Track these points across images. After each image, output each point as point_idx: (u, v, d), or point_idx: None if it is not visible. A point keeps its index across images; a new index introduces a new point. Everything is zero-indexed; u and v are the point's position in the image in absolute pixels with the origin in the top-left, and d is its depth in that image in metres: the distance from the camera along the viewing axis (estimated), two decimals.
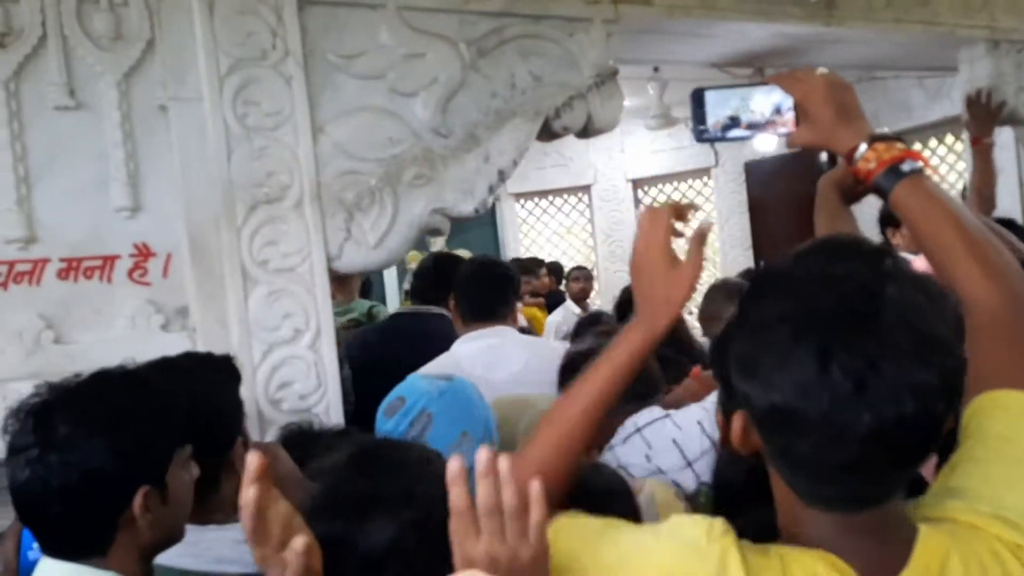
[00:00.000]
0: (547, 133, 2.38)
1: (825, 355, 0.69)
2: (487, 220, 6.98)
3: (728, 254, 6.55)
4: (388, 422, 1.48)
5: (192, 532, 1.19)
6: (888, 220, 2.97)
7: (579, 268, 5.74)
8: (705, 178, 6.81)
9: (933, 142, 5.45)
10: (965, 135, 4.86)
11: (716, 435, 1.50)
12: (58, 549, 1.05)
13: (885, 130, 1.01)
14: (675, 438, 1.57)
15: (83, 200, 1.82)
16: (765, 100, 1.07)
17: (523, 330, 3.05)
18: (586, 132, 2.45)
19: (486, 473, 0.78)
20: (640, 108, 5.59)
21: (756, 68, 3.26)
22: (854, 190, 1.22)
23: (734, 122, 1.08)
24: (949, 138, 5.32)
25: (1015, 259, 0.92)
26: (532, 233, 7.21)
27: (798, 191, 5.67)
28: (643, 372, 1.80)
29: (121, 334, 1.83)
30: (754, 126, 1.08)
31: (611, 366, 0.93)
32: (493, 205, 7.03)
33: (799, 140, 1.05)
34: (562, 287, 5.62)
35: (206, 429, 1.24)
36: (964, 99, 3.25)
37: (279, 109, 1.95)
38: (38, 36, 1.77)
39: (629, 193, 6.99)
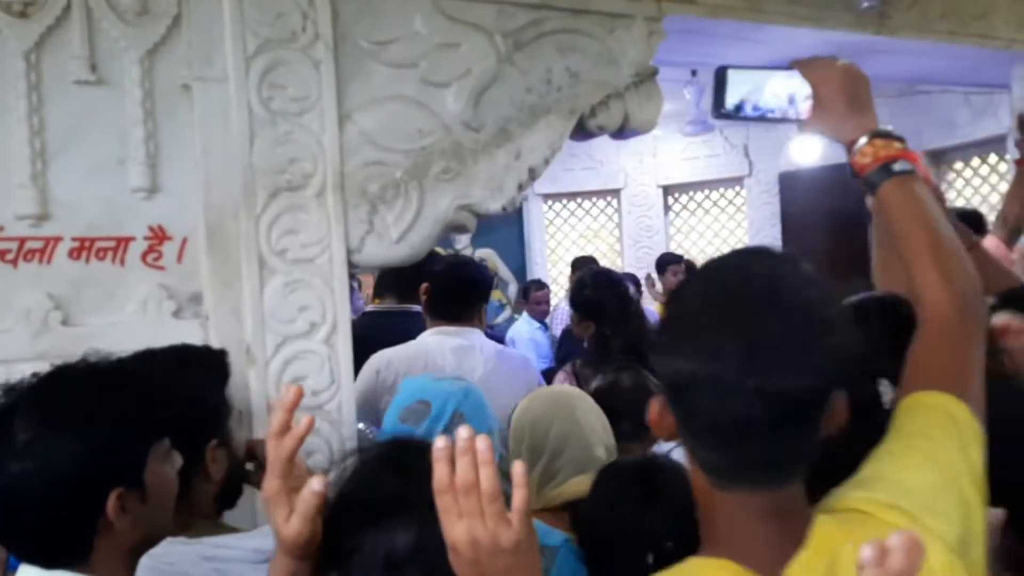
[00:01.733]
0: (581, 132, 2.29)
1: (723, 324, 0.78)
2: (513, 220, 6.91)
3: None
4: (413, 430, 1.42)
5: (162, 544, 1.12)
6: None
7: (677, 261, 5.54)
8: (737, 187, 6.70)
9: (976, 161, 5.31)
10: (1009, 155, 4.73)
11: None
12: (35, 559, 0.98)
13: (890, 128, 1.05)
14: None
15: (99, 179, 1.76)
16: (781, 86, 1.11)
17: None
18: (622, 133, 2.36)
19: (464, 451, 0.80)
20: (675, 113, 5.49)
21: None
22: None
23: (739, 107, 1.13)
24: (993, 157, 5.17)
25: (974, 271, 0.97)
26: (559, 235, 7.14)
27: (833, 205, 5.53)
28: (637, 412, 1.81)
29: (131, 319, 1.77)
30: (764, 111, 1.12)
31: None
32: (520, 205, 6.95)
33: (811, 126, 1.10)
34: None
35: (175, 424, 1.15)
36: (1015, 117, 3.13)
37: (306, 94, 1.88)
38: (62, 7, 1.71)
39: (659, 199, 6.89)
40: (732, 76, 1.12)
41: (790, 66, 1.11)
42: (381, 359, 2.36)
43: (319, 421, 1.88)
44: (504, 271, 6.86)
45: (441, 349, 2.37)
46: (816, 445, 0.82)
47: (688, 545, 0.89)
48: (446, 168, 2.04)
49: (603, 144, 6.63)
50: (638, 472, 1.37)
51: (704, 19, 2.43)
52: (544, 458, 1.54)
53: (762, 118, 1.14)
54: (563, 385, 1.77)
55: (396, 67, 2.00)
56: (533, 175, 2.18)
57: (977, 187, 5.34)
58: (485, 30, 2.09)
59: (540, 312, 5.67)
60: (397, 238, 2.00)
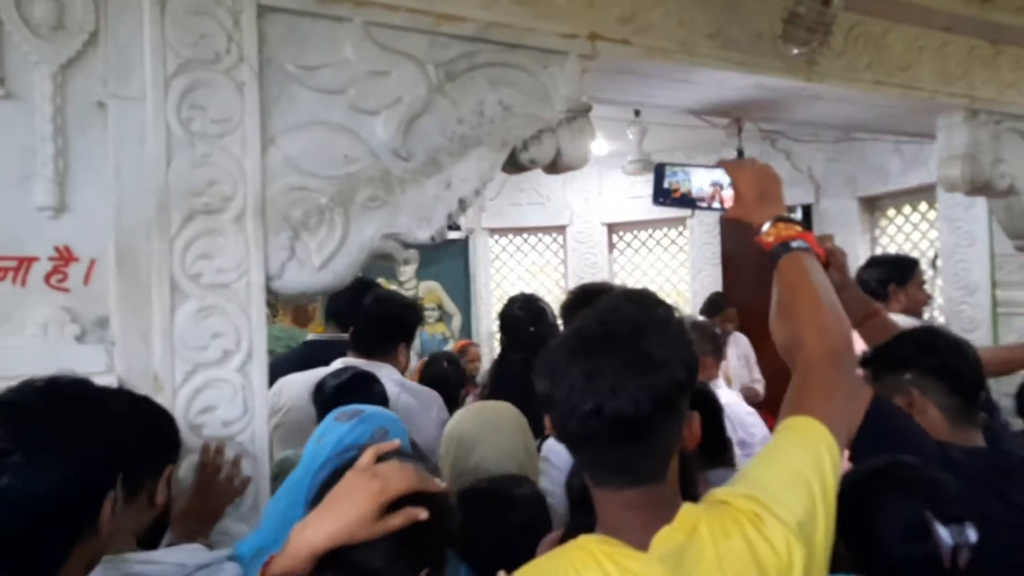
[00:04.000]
0: (513, 165, 2.29)
1: (572, 357, 0.99)
2: (459, 253, 6.89)
3: (699, 305, 6.49)
4: (343, 426, 1.52)
5: None
6: (893, 279, 3.10)
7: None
8: (680, 227, 6.79)
9: (907, 208, 5.47)
10: (938, 203, 4.89)
11: None
12: None
13: (794, 215, 1.26)
14: None
15: (2, 195, 1.69)
16: (704, 178, 1.36)
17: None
18: (555, 167, 2.37)
19: None
20: (619, 153, 5.56)
21: (734, 119, 3.22)
22: None
23: (669, 192, 1.37)
24: (923, 205, 5.33)
25: (848, 330, 1.18)
26: (504, 269, 7.13)
27: None
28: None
29: (29, 343, 1.68)
30: (686, 199, 1.38)
31: None
32: (466, 238, 6.94)
33: (731, 214, 1.35)
34: None
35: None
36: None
37: (228, 116, 1.84)
38: None
39: (604, 237, 6.94)
40: (668, 170, 1.38)
41: (716, 165, 1.37)
42: (278, 382, 2.45)
43: (229, 452, 1.81)
44: (449, 304, 6.82)
45: None
46: (666, 456, 1.02)
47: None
48: (373, 196, 2.01)
49: (550, 181, 6.71)
50: (486, 492, 1.59)
51: (638, 59, 2.47)
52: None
53: (689, 205, 1.38)
54: (495, 402, 1.88)
55: (324, 93, 1.98)
56: (463, 206, 2.16)
57: (908, 234, 5.50)
58: (417, 59, 2.08)
59: None
60: (319, 265, 1.95)
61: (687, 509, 1.00)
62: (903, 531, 1.26)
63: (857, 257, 5.43)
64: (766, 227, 1.27)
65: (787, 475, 1.03)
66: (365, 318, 2.55)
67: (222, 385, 1.81)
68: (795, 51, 2.64)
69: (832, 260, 1.74)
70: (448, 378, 3.57)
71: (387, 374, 2.41)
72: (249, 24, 1.86)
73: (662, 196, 1.37)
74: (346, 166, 1.99)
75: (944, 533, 1.25)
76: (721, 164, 1.36)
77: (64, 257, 1.73)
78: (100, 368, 1.72)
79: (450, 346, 6.62)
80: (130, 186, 1.76)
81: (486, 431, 1.91)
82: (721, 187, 1.36)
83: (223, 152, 1.83)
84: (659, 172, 1.38)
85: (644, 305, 1.05)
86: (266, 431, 1.86)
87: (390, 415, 1.65)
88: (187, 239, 1.79)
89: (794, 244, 1.24)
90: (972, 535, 1.26)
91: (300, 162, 1.93)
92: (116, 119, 1.76)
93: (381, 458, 1.15)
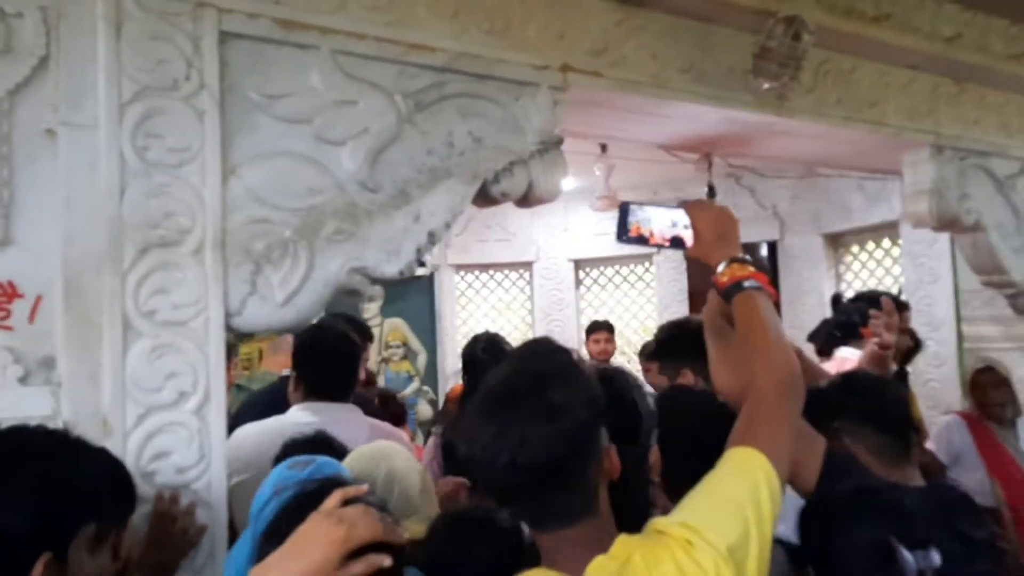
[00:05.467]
0: (484, 198, 2.23)
1: (484, 417, 1.06)
2: (424, 289, 6.80)
3: None
4: (300, 473, 1.48)
5: None
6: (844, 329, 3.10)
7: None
8: (647, 264, 6.79)
9: (871, 245, 5.52)
10: (902, 240, 4.95)
11: None
12: None
13: (747, 257, 1.35)
14: None
15: None
16: (665, 219, 1.41)
17: None
18: (526, 201, 2.31)
19: None
20: (586, 189, 5.55)
21: (703, 153, 3.21)
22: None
23: (628, 231, 1.40)
24: (886, 242, 5.39)
25: (796, 365, 1.23)
26: (471, 306, 7.05)
27: None
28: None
29: None
30: (644, 239, 1.41)
31: None
32: (432, 275, 6.85)
33: (691, 253, 1.40)
34: None
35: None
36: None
37: (187, 145, 1.75)
38: None
39: (571, 273, 6.91)
40: (632, 208, 1.40)
41: (678, 206, 1.41)
42: (234, 434, 2.16)
43: (184, 500, 1.70)
44: (414, 342, 6.70)
45: (303, 424, 2.16)
46: (592, 493, 1.08)
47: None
48: (339, 229, 1.94)
49: (517, 217, 6.68)
50: (466, 518, 1.56)
51: (610, 92, 2.44)
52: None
53: (647, 244, 1.41)
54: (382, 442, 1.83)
55: (288, 122, 1.90)
56: (432, 239, 2.09)
57: (872, 270, 5.54)
58: (385, 89, 2.02)
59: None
60: (283, 301, 1.86)
61: (623, 540, 1.05)
62: (869, 556, 1.31)
63: (822, 293, 5.47)
64: (721, 267, 1.34)
65: (721, 502, 1.08)
66: (318, 360, 2.31)
67: (177, 429, 1.70)
68: (766, 86, 2.64)
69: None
70: (390, 417, 3.45)
71: (356, 417, 2.29)
72: (210, 50, 1.79)
73: (625, 234, 1.41)
74: (311, 198, 1.91)
75: (908, 558, 1.30)
76: (682, 205, 1.42)
77: (7, 293, 1.62)
78: (45, 411, 1.60)
79: (415, 384, 6.50)
80: (80, 217, 1.66)
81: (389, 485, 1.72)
82: (682, 228, 1.40)
83: (181, 182, 1.74)
84: (624, 210, 1.41)
85: (543, 354, 1.13)
86: (224, 477, 1.75)
87: (339, 465, 1.60)
88: (141, 273, 1.69)
89: (746, 283, 1.31)
90: (936, 559, 1.31)
91: (263, 193, 1.85)
92: (66, 147, 1.66)
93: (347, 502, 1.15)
